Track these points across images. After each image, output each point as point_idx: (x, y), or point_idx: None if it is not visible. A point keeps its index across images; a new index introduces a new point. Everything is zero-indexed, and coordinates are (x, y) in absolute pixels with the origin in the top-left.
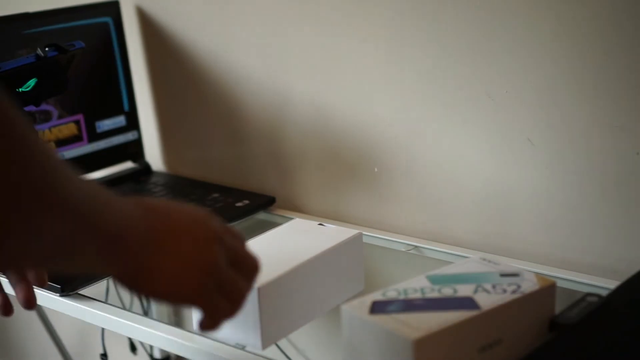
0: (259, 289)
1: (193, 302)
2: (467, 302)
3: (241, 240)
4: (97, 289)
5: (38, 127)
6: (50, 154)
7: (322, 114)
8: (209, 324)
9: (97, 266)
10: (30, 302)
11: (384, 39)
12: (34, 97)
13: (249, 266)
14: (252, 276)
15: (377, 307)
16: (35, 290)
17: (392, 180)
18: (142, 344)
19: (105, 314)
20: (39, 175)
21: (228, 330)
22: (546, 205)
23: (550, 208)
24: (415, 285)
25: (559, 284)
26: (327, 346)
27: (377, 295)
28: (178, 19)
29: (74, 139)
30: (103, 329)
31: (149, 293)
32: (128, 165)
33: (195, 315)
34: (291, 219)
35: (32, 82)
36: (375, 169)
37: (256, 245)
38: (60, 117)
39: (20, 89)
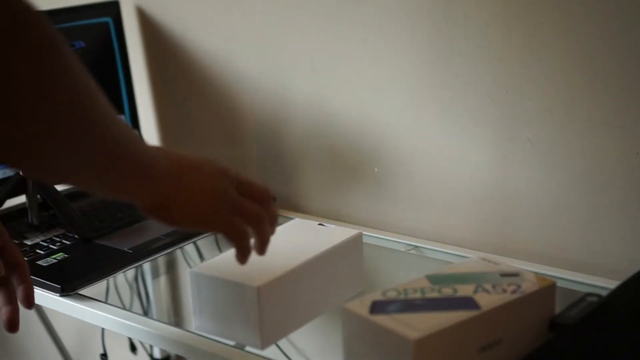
0: (259, 289)
1: (210, 225)
2: (467, 302)
3: (246, 178)
4: (97, 289)
5: None
6: (97, 89)
7: (322, 114)
8: (238, 251)
9: (126, 192)
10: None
11: (384, 39)
12: None
13: (259, 193)
14: (264, 201)
15: (377, 307)
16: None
17: (392, 180)
18: (142, 344)
19: (105, 314)
20: (90, 102)
21: (228, 330)
22: (546, 205)
23: (551, 208)
24: (415, 285)
25: (559, 284)
26: (327, 346)
27: (377, 295)
28: (178, 19)
29: None
30: (103, 329)
31: (170, 220)
32: None
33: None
34: (291, 219)
35: None
36: (375, 169)
37: None
38: None
39: None
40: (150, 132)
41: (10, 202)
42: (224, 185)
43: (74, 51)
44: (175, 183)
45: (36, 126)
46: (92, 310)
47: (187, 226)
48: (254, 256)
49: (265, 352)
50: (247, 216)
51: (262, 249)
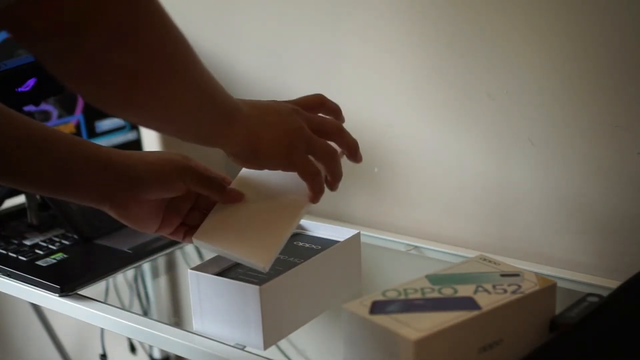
0: (260, 290)
1: (290, 162)
2: (467, 302)
3: (317, 115)
4: (96, 289)
5: None
6: (187, 41)
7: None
8: (312, 189)
9: (217, 135)
10: None
11: (384, 39)
12: (34, 96)
13: (330, 126)
14: (337, 133)
15: (377, 307)
16: (34, 290)
17: (392, 180)
18: (141, 344)
19: (104, 314)
20: (183, 54)
21: (229, 330)
22: (546, 205)
23: (551, 208)
24: (416, 285)
25: (559, 284)
26: (327, 346)
27: (377, 296)
28: (178, 19)
29: None
30: (102, 329)
31: (256, 159)
32: None
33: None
34: None
35: (31, 82)
36: (375, 169)
37: None
38: (59, 116)
39: (19, 89)
40: (149, 132)
41: (10, 202)
42: (300, 123)
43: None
44: (260, 124)
45: (144, 52)
46: (91, 310)
47: (269, 164)
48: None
49: (266, 352)
50: (321, 154)
51: (334, 185)
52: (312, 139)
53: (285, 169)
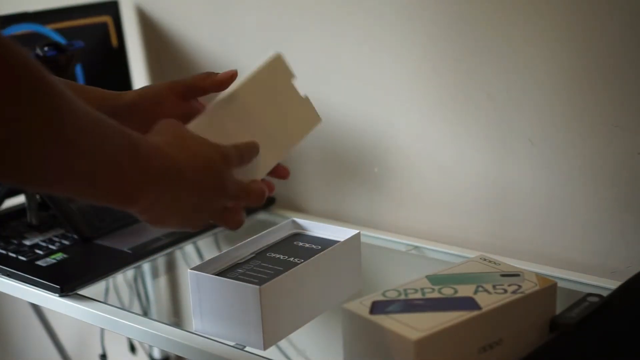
0: (261, 290)
1: (194, 226)
2: (467, 303)
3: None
4: (96, 289)
5: None
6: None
7: (322, 114)
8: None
9: (112, 203)
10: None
11: (385, 39)
12: None
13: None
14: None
15: (377, 307)
16: (34, 290)
17: (392, 180)
18: (141, 344)
19: (104, 314)
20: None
21: (229, 330)
22: (547, 206)
23: (551, 208)
24: (416, 285)
25: (560, 284)
26: (327, 346)
27: (377, 296)
28: (178, 19)
29: None
30: (102, 330)
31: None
32: None
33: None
34: (290, 218)
35: None
36: (375, 169)
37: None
38: None
39: None
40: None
41: (10, 202)
42: (214, 208)
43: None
44: (166, 209)
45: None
46: (91, 310)
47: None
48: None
49: (266, 353)
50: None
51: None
52: (223, 215)
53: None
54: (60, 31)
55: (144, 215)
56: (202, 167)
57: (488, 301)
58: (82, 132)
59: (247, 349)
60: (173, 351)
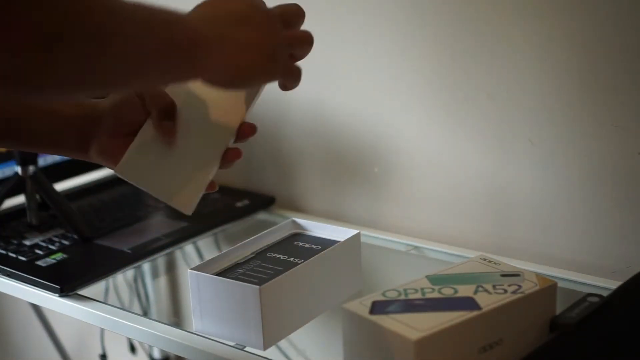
0: (261, 290)
1: (274, 76)
2: (467, 303)
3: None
4: (96, 289)
5: None
6: None
7: (322, 114)
8: (289, 85)
9: (182, 77)
10: None
11: (385, 39)
12: None
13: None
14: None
15: (377, 308)
16: (34, 290)
17: (392, 180)
18: (141, 344)
19: (104, 314)
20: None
21: (229, 330)
22: (547, 205)
23: (551, 208)
24: (416, 285)
25: (560, 284)
26: (327, 346)
27: (377, 296)
28: None
29: None
30: (102, 330)
31: (235, 84)
32: None
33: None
34: (289, 218)
35: None
36: (375, 169)
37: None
38: None
39: None
40: None
41: (10, 202)
42: (275, 28)
43: None
44: (233, 47)
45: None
46: (91, 310)
47: (253, 85)
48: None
49: (266, 353)
50: (299, 52)
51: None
52: (288, 41)
53: (269, 81)
54: None
55: (217, 59)
56: (257, 10)
57: (488, 301)
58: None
59: (247, 349)
60: (173, 351)
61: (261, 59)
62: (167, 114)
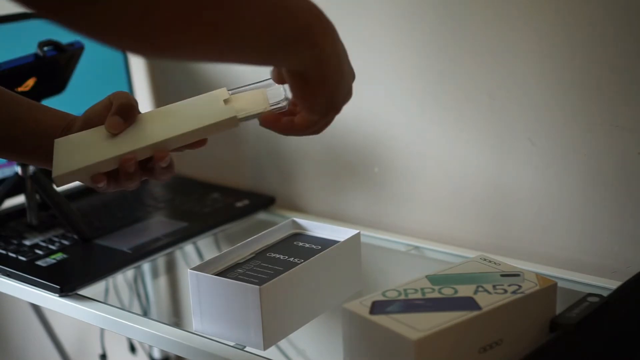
0: (261, 290)
1: (330, 113)
2: (467, 303)
3: None
4: (96, 289)
5: None
6: None
7: None
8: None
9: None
10: None
11: (385, 39)
12: (33, 96)
13: None
14: None
15: (378, 308)
16: (34, 290)
17: (392, 180)
18: (141, 344)
19: (104, 314)
20: None
21: (229, 330)
22: (547, 205)
23: (551, 208)
24: (416, 285)
25: (560, 284)
26: (327, 346)
27: (377, 296)
28: None
29: None
30: (102, 330)
31: (314, 85)
32: None
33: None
34: (289, 218)
35: (31, 82)
36: (375, 169)
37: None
38: None
39: (19, 88)
40: None
41: (10, 202)
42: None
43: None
44: (336, 62)
45: None
46: (91, 310)
47: (317, 100)
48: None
49: (266, 353)
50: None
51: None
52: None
53: (318, 115)
54: (60, 31)
55: (323, 56)
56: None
57: (488, 301)
58: None
59: (247, 349)
60: (173, 351)
61: (340, 91)
62: (125, 114)
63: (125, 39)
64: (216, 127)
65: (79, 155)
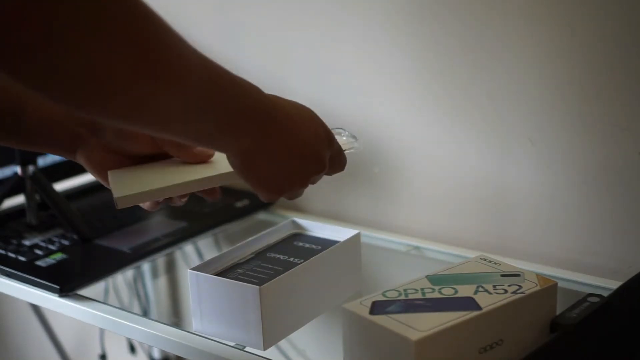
0: (260, 290)
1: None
2: (467, 303)
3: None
4: (96, 289)
5: None
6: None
7: (322, 114)
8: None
9: (214, 140)
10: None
11: (385, 39)
12: None
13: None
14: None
15: (378, 308)
16: (34, 290)
17: (392, 180)
18: (141, 344)
19: (104, 315)
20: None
21: (229, 330)
22: (547, 206)
23: (551, 208)
24: (416, 285)
25: (560, 284)
26: (327, 346)
27: (377, 296)
28: (178, 18)
29: None
30: (102, 330)
31: (243, 177)
32: None
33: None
34: (289, 218)
35: None
36: (375, 169)
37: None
38: None
39: None
40: None
41: (9, 202)
42: (317, 169)
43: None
44: (270, 154)
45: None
46: (90, 310)
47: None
48: None
49: (266, 353)
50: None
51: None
52: (314, 180)
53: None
54: None
55: (241, 158)
56: (312, 134)
57: (488, 301)
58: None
59: (247, 349)
60: (173, 351)
61: (295, 185)
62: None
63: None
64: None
65: (141, 181)
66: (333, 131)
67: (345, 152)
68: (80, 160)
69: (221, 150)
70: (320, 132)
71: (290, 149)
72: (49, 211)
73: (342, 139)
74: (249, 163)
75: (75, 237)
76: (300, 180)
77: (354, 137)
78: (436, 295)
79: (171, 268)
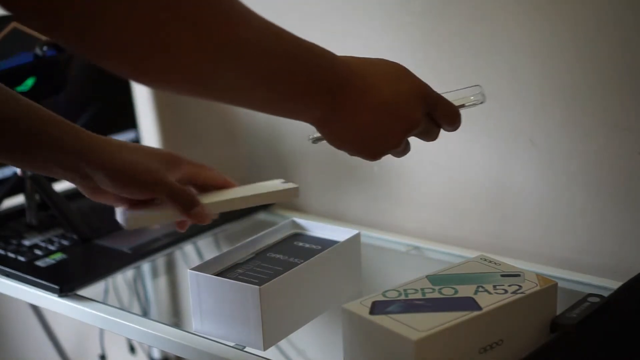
0: (260, 290)
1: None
2: (468, 303)
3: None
4: (95, 289)
5: None
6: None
7: None
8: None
9: (283, 110)
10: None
11: (385, 38)
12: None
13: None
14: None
15: (378, 308)
16: (33, 290)
17: (392, 180)
18: (141, 344)
19: (103, 315)
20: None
21: (229, 330)
22: (547, 206)
23: (552, 208)
24: (416, 285)
25: (561, 284)
26: (327, 346)
27: (377, 296)
28: None
29: None
30: (102, 330)
31: (337, 144)
32: None
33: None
34: (289, 218)
35: (30, 82)
36: (375, 169)
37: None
38: None
39: (18, 88)
40: (150, 131)
41: (9, 202)
42: (400, 126)
43: None
44: (369, 112)
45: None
46: (90, 311)
47: (347, 150)
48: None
49: (266, 353)
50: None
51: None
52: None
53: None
54: None
55: (317, 125)
56: (393, 92)
57: (488, 301)
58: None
59: (247, 349)
60: (173, 352)
61: (387, 144)
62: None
63: (109, 53)
64: (276, 195)
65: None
66: (464, 90)
67: (463, 106)
68: (83, 188)
69: (292, 117)
70: (405, 89)
71: (368, 111)
72: (49, 211)
73: (458, 94)
74: (327, 129)
75: (75, 237)
76: (391, 139)
77: (482, 94)
78: (436, 295)
79: (171, 268)
